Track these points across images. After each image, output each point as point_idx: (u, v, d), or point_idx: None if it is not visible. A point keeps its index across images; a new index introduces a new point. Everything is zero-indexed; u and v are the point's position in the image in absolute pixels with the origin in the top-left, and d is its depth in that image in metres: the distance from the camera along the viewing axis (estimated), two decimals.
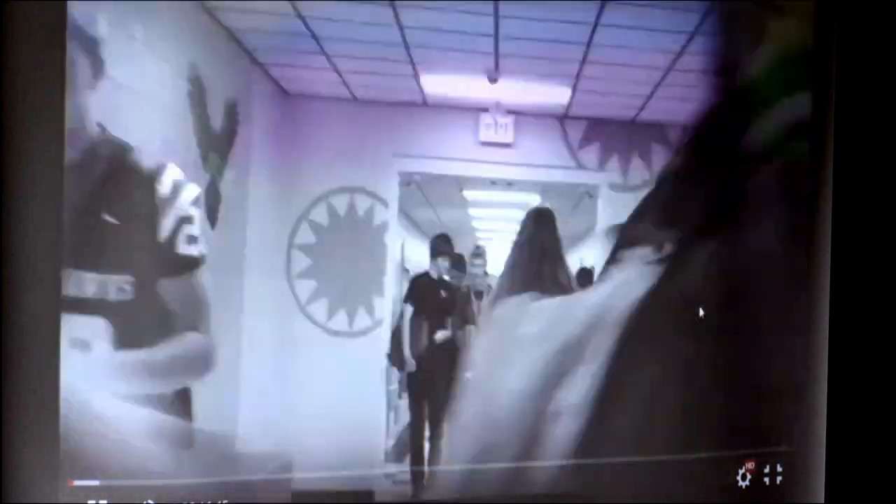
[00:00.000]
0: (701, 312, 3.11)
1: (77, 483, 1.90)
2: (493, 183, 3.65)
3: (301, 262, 3.40)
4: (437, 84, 3.35)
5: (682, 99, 3.52)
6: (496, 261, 3.60)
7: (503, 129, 3.45)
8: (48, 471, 1.69)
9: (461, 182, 3.68)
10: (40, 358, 1.62)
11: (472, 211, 4.57)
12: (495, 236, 4.35)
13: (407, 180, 3.50)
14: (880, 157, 1.91)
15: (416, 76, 3.29)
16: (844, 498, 1.96)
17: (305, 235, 3.39)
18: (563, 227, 4.19)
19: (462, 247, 3.66)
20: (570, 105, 3.51)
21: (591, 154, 3.61)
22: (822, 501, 2.04)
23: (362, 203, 3.45)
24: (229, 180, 3.07)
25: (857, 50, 1.90)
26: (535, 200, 4.05)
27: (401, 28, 3.06)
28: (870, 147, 1.93)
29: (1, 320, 1.56)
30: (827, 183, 1.97)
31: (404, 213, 3.57)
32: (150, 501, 2.06)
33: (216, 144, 3.00)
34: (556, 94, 3.45)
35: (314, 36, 3.06)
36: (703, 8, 3.12)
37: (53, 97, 1.67)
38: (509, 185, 3.63)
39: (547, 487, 3.04)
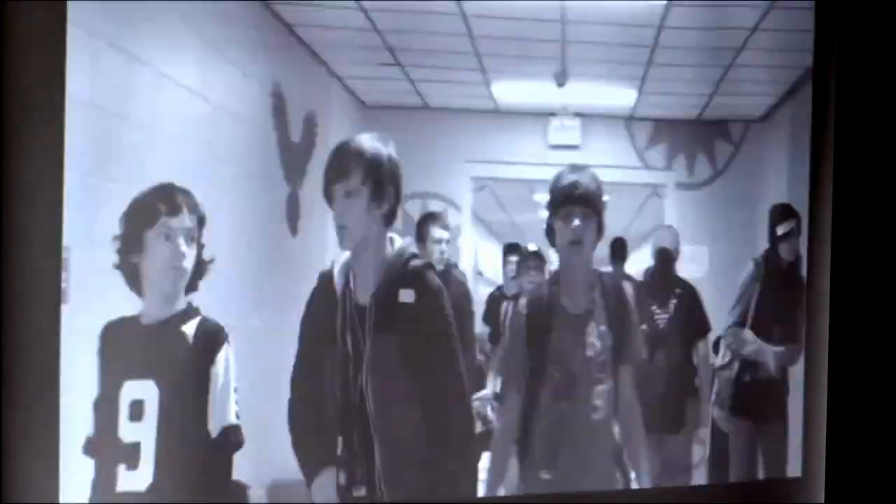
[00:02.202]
0: None
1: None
2: None
3: None
4: (506, 90, 3.43)
5: (743, 94, 3.58)
6: None
7: (571, 132, 3.53)
8: (48, 471, 1.66)
9: (532, 185, 3.75)
10: (41, 359, 1.60)
11: (543, 214, 4.63)
12: None
13: (480, 185, 3.58)
14: (882, 156, 1.90)
15: (486, 83, 3.38)
16: (844, 498, 1.92)
17: None
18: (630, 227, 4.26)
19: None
20: (635, 106, 3.58)
21: (657, 154, 3.68)
22: (822, 501, 2.01)
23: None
24: (308, 190, 3.17)
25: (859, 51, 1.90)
26: (603, 199, 4.11)
27: (471, 37, 3.15)
28: (871, 147, 1.92)
29: (2, 322, 1.55)
30: (827, 187, 1.95)
31: (477, 217, 3.65)
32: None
33: (295, 156, 3.10)
34: (621, 96, 3.52)
35: (389, 48, 3.16)
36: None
37: (54, 96, 1.64)
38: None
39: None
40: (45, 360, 1.59)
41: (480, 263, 3.79)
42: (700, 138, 3.65)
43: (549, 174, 3.64)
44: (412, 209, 3.52)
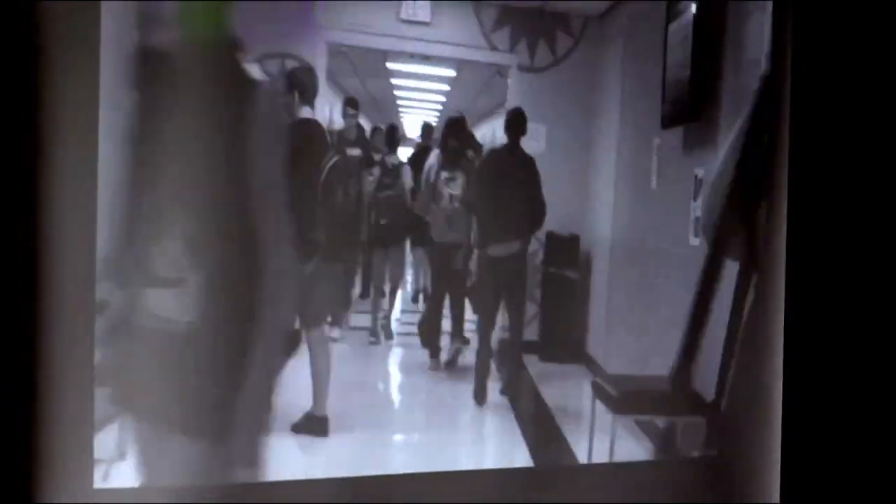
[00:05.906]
0: None
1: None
2: (411, 56, 4.02)
3: None
4: None
5: None
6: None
7: (421, 9, 3.82)
8: (81, 471, 1.56)
9: (385, 54, 4.03)
10: (74, 358, 1.52)
11: (394, 81, 4.95)
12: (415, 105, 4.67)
13: (336, 49, 3.84)
14: (838, 152, 1.83)
15: None
16: (799, 497, 1.78)
17: None
18: (475, 103, 4.62)
19: None
20: None
21: (502, 36, 4.01)
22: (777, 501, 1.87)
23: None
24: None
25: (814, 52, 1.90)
26: (450, 74, 4.45)
27: None
28: (828, 144, 1.86)
29: (35, 321, 1.50)
30: (782, 186, 1.89)
31: (333, 81, 3.93)
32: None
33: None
34: None
35: None
36: None
37: (88, 101, 1.48)
38: (426, 59, 4.01)
39: None
40: (79, 361, 1.54)
41: (332, 123, 4.08)
42: (542, 27, 3.99)
43: (400, 45, 3.97)
44: (270, 68, 3.78)
